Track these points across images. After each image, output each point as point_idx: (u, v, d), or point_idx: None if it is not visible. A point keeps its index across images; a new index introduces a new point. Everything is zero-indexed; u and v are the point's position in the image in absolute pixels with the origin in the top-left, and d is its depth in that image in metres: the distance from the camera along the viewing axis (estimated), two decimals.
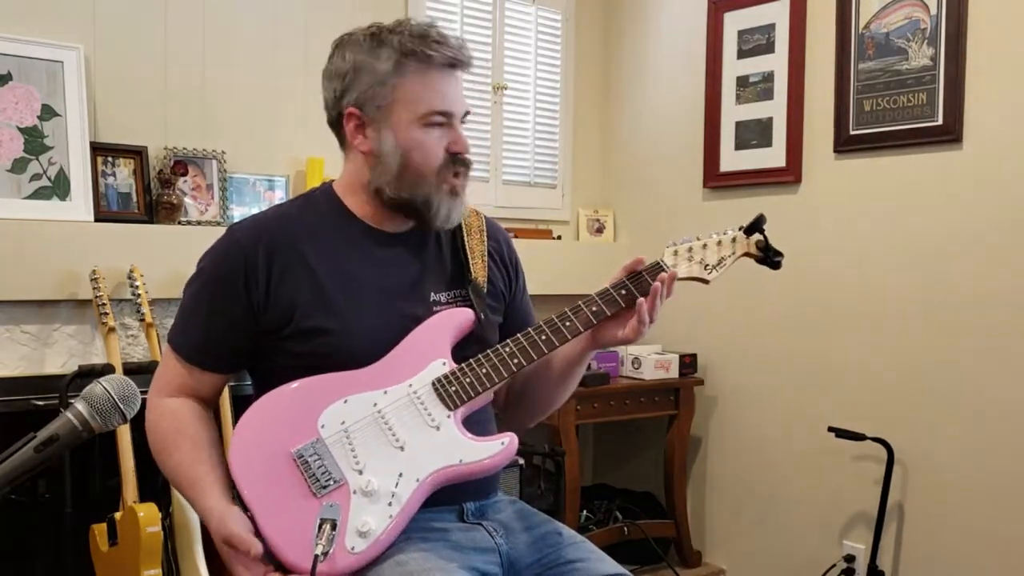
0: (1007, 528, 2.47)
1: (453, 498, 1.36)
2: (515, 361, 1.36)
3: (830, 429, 2.73)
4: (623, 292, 1.41)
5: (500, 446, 1.33)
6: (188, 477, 1.38)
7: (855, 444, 2.72)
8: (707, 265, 1.45)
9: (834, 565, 2.81)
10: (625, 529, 3.05)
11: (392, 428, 1.32)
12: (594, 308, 1.40)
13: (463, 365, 1.37)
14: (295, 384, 1.36)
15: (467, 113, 1.47)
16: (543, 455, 2.95)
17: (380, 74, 1.39)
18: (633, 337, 1.41)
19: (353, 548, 1.24)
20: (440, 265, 1.50)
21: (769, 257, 1.46)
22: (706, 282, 1.46)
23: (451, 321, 1.42)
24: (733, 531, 3.21)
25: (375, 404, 1.34)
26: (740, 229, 1.47)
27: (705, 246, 1.46)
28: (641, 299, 1.39)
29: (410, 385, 1.36)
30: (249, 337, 1.40)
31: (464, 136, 1.44)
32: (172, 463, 1.40)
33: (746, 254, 1.47)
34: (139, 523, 2.01)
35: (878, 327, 2.75)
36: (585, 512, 3.12)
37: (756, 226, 1.46)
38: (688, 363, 3.20)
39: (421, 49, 1.38)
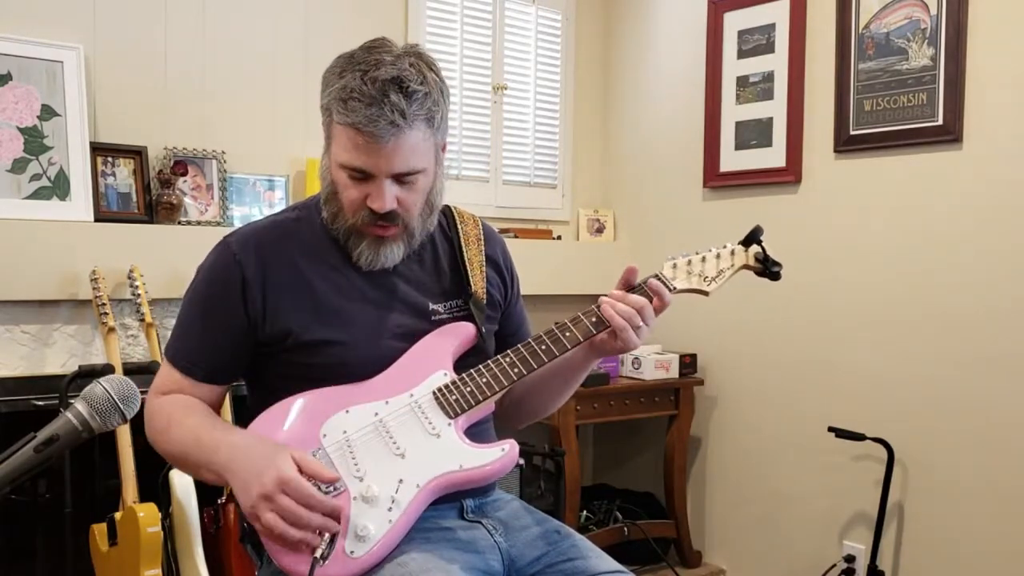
0: (1007, 528, 2.47)
1: (453, 495, 1.36)
2: (515, 371, 1.37)
3: (830, 429, 2.73)
4: None
5: (500, 452, 1.33)
6: (211, 425, 1.33)
7: (855, 444, 2.72)
8: (706, 278, 1.47)
9: (834, 565, 2.81)
10: (625, 529, 3.05)
11: (393, 436, 1.33)
12: (593, 319, 1.41)
13: (463, 375, 1.38)
14: (299, 397, 1.36)
15: (412, 173, 1.34)
16: (543, 455, 2.95)
17: (323, 104, 1.37)
18: (628, 348, 1.41)
19: (352, 552, 1.24)
20: (438, 276, 1.50)
21: (768, 268, 1.48)
22: (706, 294, 1.48)
23: (453, 335, 1.43)
24: (733, 531, 3.21)
25: (376, 413, 1.35)
26: (738, 243, 1.49)
27: (704, 259, 1.48)
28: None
29: (411, 395, 1.36)
30: (245, 348, 1.39)
31: (388, 193, 1.33)
32: (189, 424, 1.33)
33: (745, 266, 1.49)
34: (139, 523, 2.01)
35: (878, 327, 2.75)
36: (585, 512, 3.13)
37: (753, 238, 1.48)
38: (688, 363, 3.20)
39: (338, 107, 1.31)
